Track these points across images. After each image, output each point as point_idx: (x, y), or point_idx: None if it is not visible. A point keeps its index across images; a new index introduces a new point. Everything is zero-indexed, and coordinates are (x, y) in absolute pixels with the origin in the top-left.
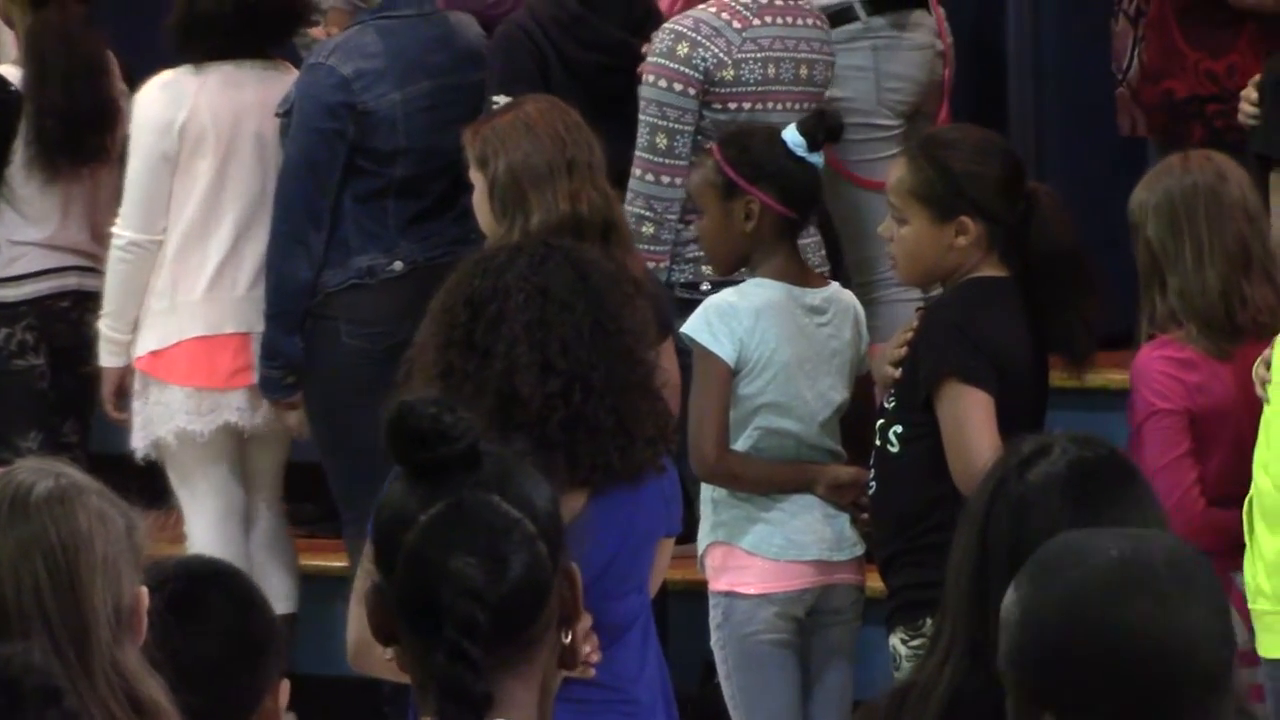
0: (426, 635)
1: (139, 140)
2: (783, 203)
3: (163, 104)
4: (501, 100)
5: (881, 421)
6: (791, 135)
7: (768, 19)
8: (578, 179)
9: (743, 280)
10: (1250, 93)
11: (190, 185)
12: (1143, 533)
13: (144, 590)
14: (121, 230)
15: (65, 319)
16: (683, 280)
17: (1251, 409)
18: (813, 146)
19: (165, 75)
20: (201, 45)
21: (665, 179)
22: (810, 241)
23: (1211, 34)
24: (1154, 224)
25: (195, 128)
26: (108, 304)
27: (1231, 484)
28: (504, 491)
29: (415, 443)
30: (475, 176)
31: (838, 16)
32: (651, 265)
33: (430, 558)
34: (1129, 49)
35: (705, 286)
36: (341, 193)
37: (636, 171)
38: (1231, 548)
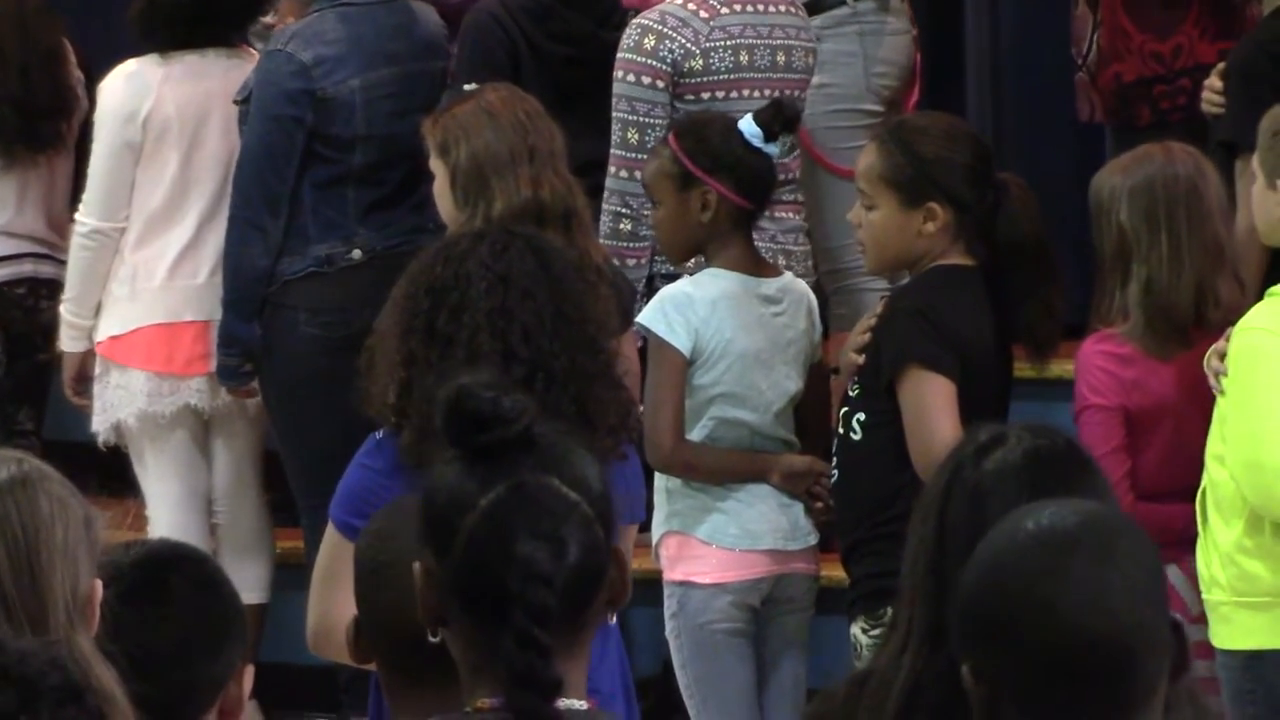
0: (488, 620)
1: (102, 129)
2: (739, 193)
3: (127, 94)
4: (472, 88)
5: (845, 409)
6: (748, 125)
7: (737, 7)
8: (539, 165)
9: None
10: (1214, 81)
11: (154, 175)
12: (1078, 504)
13: (98, 583)
14: (84, 218)
15: (20, 305)
16: (663, 272)
17: (1189, 405)
18: (769, 137)
19: (129, 65)
20: (163, 34)
21: (639, 174)
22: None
23: (1157, 15)
24: (1129, 210)
25: (159, 118)
26: (69, 289)
27: (1165, 479)
28: (560, 473)
29: (473, 425)
30: (436, 165)
31: (823, 2)
32: (633, 261)
33: (495, 542)
34: (1089, 34)
35: (658, 281)
36: (300, 180)
37: (611, 169)
38: (1163, 543)
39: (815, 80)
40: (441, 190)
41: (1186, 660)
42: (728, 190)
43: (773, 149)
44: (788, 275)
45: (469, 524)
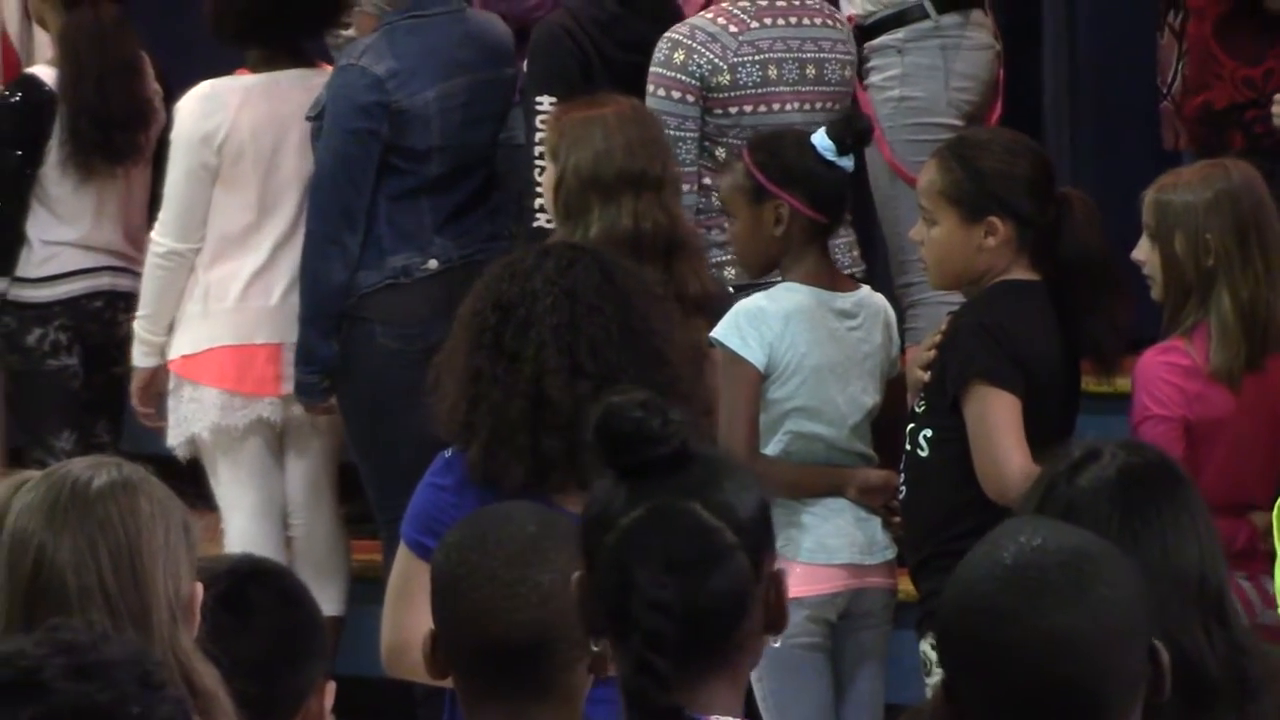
0: (621, 640)
1: (178, 151)
2: (812, 207)
3: (202, 116)
4: (545, 101)
5: (912, 425)
6: (821, 139)
7: (767, 21)
8: (646, 198)
9: (772, 284)
10: None
11: (232, 198)
12: (1061, 534)
13: (199, 585)
14: (160, 238)
15: (98, 319)
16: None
17: (1249, 419)
18: (842, 150)
19: (204, 87)
20: (235, 31)
21: None
22: (842, 241)
23: (1249, 41)
24: (1216, 226)
25: (235, 141)
26: (143, 307)
27: (1227, 493)
28: (706, 498)
29: (620, 444)
30: (548, 162)
31: (906, 15)
32: None
33: (624, 566)
34: (1173, 63)
35: (730, 290)
36: (376, 193)
37: None
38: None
39: (896, 93)
40: (548, 188)
41: (1163, 686)
42: (801, 204)
43: (845, 162)
44: (864, 289)
45: (608, 543)
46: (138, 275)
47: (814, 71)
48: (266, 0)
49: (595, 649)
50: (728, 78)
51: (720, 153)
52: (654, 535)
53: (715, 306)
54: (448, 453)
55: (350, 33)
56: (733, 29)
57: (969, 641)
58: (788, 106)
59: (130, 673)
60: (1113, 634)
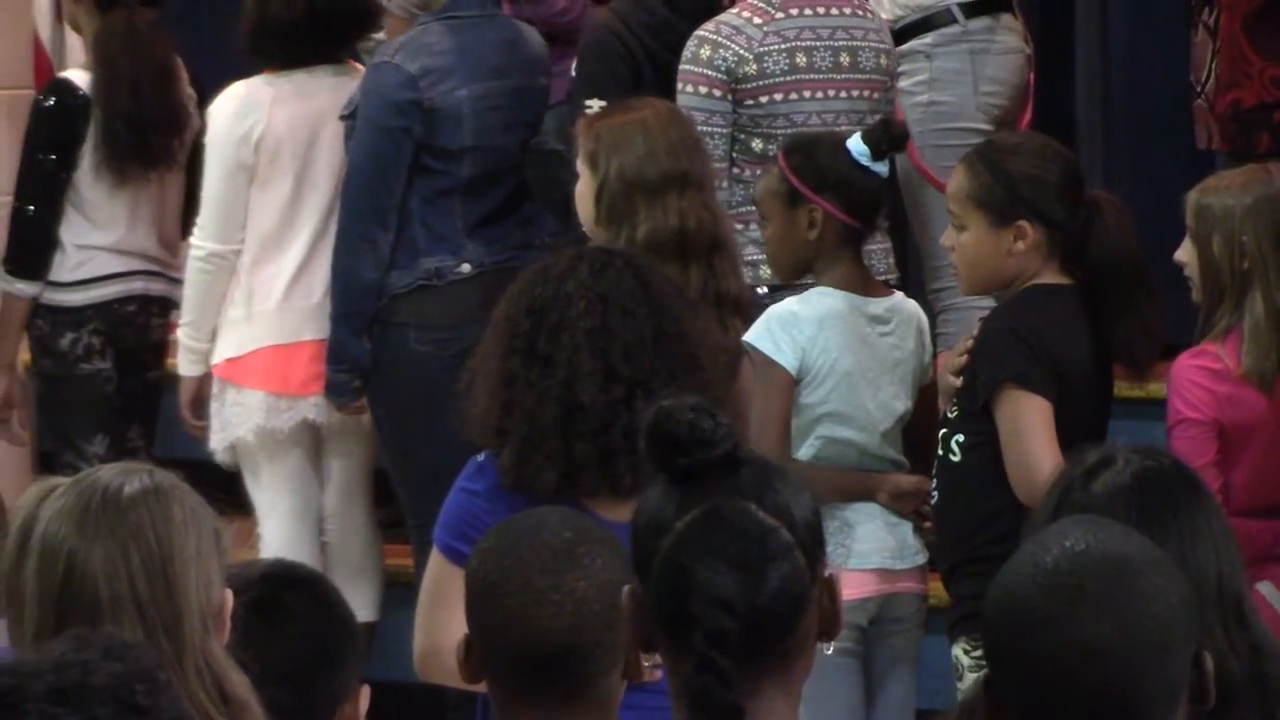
0: (678, 643)
1: (214, 152)
2: (846, 212)
3: (238, 116)
4: (595, 105)
5: (944, 430)
6: (855, 144)
7: (793, 11)
8: (689, 196)
9: (805, 287)
10: None
11: (267, 196)
12: (1105, 537)
13: (229, 592)
14: (200, 241)
15: (131, 323)
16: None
17: None
18: (877, 156)
19: (238, 87)
20: (274, 51)
21: None
22: (879, 248)
23: (1278, 40)
24: (1251, 230)
25: (272, 139)
26: (187, 313)
27: (1258, 496)
28: (761, 499)
29: (673, 448)
30: (582, 170)
31: (934, 20)
32: None
33: (683, 566)
34: (1207, 61)
35: (762, 290)
36: (408, 193)
37: None
38: (1251, 559)
39: (924, 98)
40: (584, 196)
41: (1207, 694)
42: (834, 208)
43: (880, 168)
44: (898, 295)
45: (664, 547)
46: (171, 280)
47: (848, 59)
48: (302, 23)
49: (647, 662)
50: (754, 67)
51: (756, 144)
52: (713, 535)
53: (748, 308)
54: (480, 457)
55: (380, 36)
56: (757, 20)
57: (1005, 641)
58: (819, 94)
59: (111, 697)
60: (1149, 647)
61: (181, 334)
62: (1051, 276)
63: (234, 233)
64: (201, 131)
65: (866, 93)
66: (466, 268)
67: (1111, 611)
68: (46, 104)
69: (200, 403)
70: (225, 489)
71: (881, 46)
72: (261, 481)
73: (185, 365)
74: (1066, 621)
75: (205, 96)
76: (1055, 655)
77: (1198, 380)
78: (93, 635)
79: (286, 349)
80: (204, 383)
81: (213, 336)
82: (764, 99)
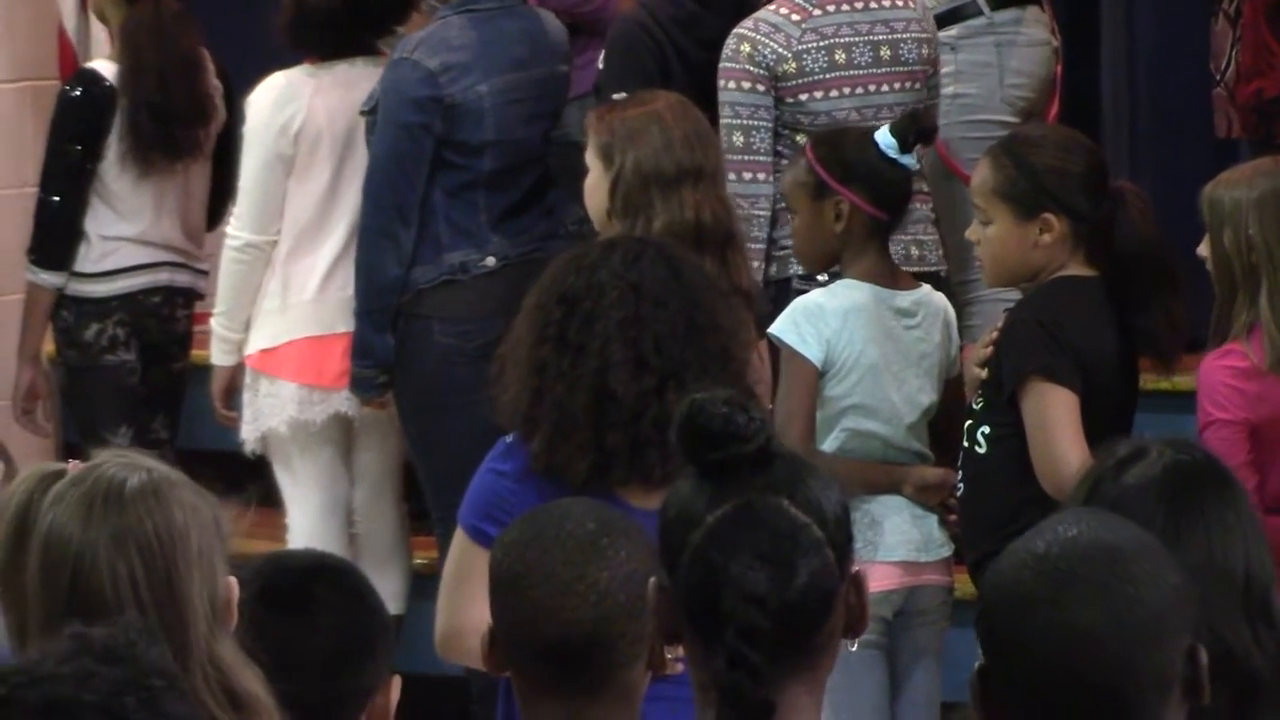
0: (708, 638)
1: (254, 142)
2: (873, 204)
3: (278, 106)
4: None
5: (970, 422)
6: (884, 136)
7: (831, 8)
8: (704, 188)
9: (832, 279)
10: None
11: (306, 187)
12: (1101, 526)
13: (233, 581)
14: (237, 231)
15: (156, 314)
16: (775, 277)
17: None
18: (904, 148)
19: (278, 77)
20: (313, 42)
21: (748, 175)
22: (928, 239)
23: None
24: (1257, 223)
25: (311, 130)
26: (221, 303)
27: None
28: (793, 494)
29: (705, 441)
30: (594, 163)
31: (960, 12)
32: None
33: (714, 560)
34: (1228, 49)
35: (794, 283)
36: (430, 188)
37: None
38: None
39: (950, 90)
40: (595, 189)
41: (1202, 689)
42: (861, 200)
43: (908, 160)
44: (924, 288)
45: (694, 540)
46: (196, 271)
47: (889, 53)
48: (341, 12)
49: (670, 654)
50: (793, 65)
51: (801, 139)
52: (745, 529)
53: (757, 301)
54: (509, 438)
55: (400, 29)
56: (795, 17)
57: (996, 625)
58: (860, 89)
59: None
60: (1136, 633)
61: (215, 323)
62: (1077, 269)
63: (271, 223)
64: (227, 123)
65: (912, 84)
66: (491, 261)
67: (1101, 596)
68: (73, 94)
69: (232, 393)
70: (250, 477)
71: (923, 36)
72: (293, 473)
73: (218, 355)
74: (1056, 605)
75: (232, 87)
76: (1045, 639)
77: (1226, 380)
78: (94, 634)
79: (321, 341)
80: (236, 373)
81: (246, 327)
82: (804, 97)
